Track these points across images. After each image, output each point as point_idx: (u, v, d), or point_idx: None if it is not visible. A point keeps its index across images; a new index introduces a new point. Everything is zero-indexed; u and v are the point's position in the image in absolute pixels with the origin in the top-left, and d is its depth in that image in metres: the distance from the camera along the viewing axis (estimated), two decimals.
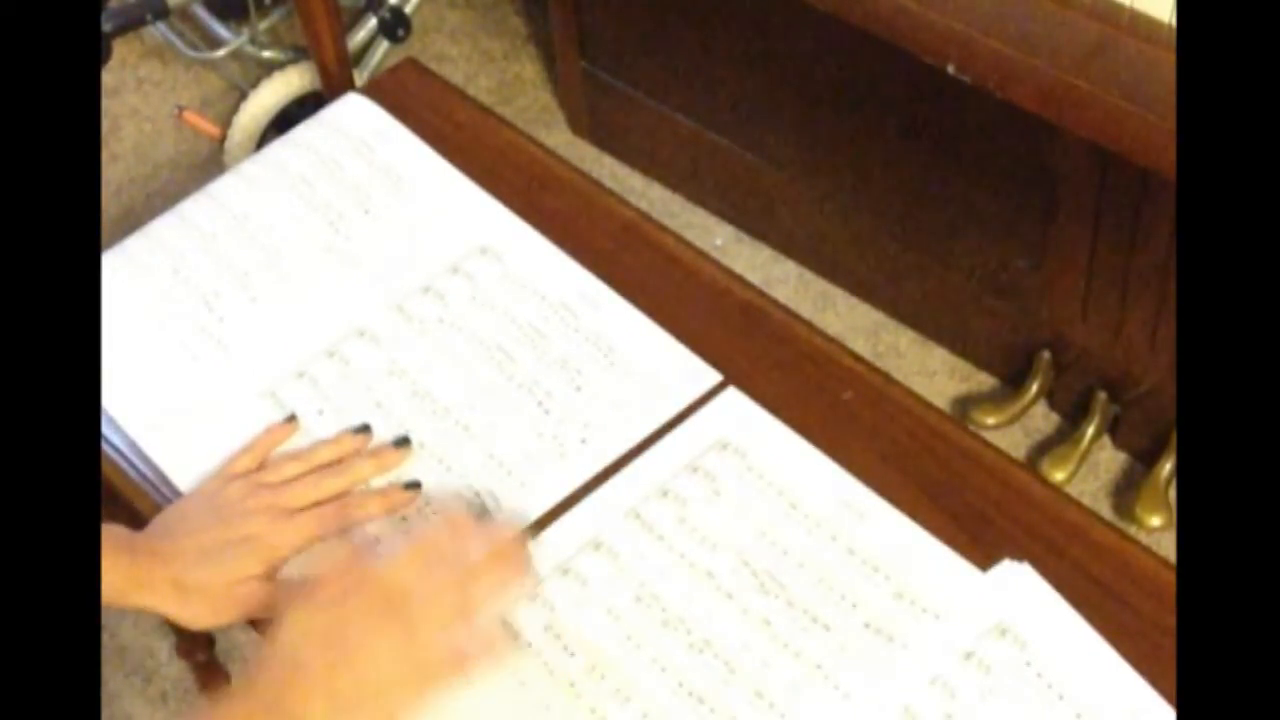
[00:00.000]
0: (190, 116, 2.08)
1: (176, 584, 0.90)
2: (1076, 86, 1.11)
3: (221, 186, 1.18)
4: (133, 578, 0.89)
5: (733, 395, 1.01)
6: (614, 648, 0.90)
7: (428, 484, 0.98)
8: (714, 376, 1.02)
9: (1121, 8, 1.11)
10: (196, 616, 0.91)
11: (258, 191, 1.16)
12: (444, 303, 1.07)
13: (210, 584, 0.91)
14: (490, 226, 1.12)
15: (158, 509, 0.98)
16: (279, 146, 1.21)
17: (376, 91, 1.25)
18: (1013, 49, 1.14)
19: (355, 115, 1.21)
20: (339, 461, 0.98)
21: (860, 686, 0.87)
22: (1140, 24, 1.11)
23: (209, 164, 2.08)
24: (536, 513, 0.96)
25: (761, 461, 0.97)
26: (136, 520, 0.99)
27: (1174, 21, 1.09)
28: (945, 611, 0.89)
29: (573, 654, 0.90)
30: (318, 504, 0.95)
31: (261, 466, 0.98)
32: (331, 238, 1.12)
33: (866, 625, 0.89)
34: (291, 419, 1.01)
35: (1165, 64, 1.09)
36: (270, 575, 0.92)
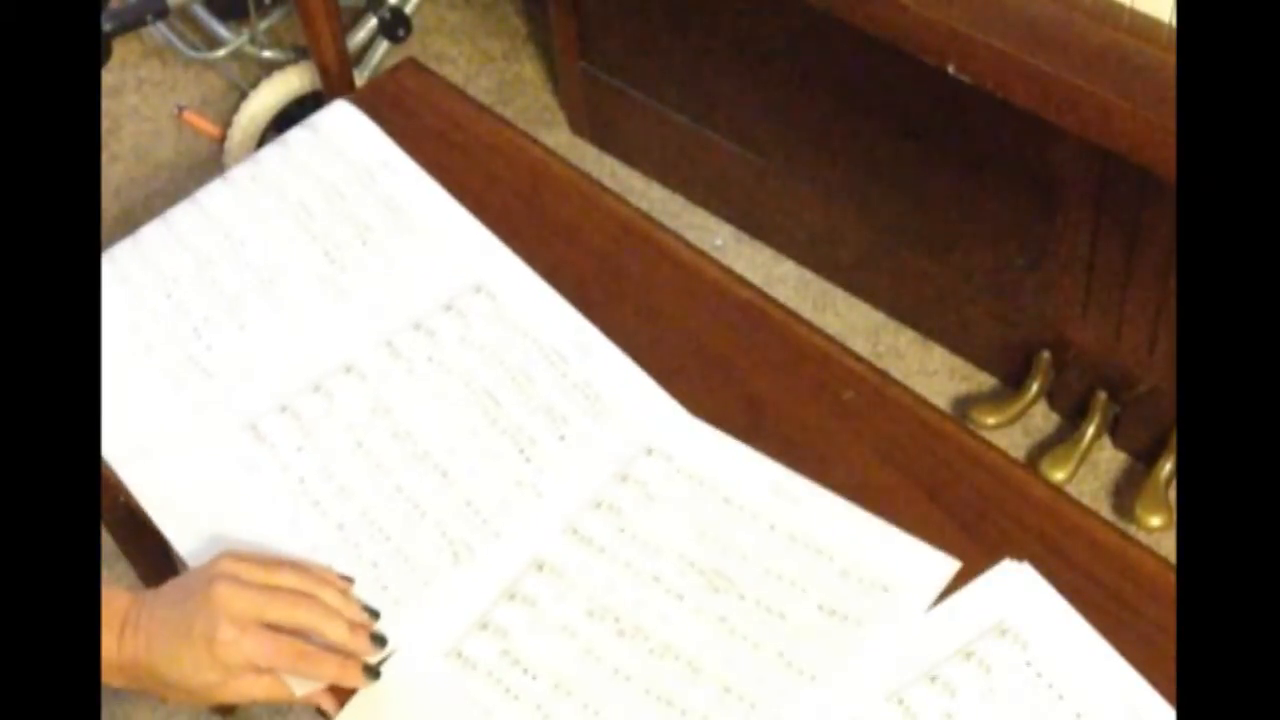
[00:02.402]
0: (190, 116, 2.08)
1: (158, 677, 0.87)
2: (1076, 86, 1.11)
3: (214, 199, 1.17)
4: (117, 663, 0.87)
5: (655, 395, 1.01)
6: (574, 664, 0.89)
7: (402, 529, 0.97)
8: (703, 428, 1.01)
9: (1121, 8, 1.11)
10: (181, 704, 0.88)
11: (255, 216, 1.15)
12: (434, 341, 1.06)
13: (188, 685, 0.87)
14: (486, 264, 1.11)
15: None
16: (274, 159, 1.19)
17: (376, 91, 1.25)
18: (1013, 49, 1.14)
19: (345, 126, 1.20)
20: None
21: (825, 668, 0.88)
22: (1140, 24, 1.11)
23: (209, 164, 2.08)
24: (511, 565, 0.95)
25: (687, 461, 0.97)
26: (136, 519, 0.99)
27: (1174, 21, 1.09)
28: (892, 581, 0.91)
29: (534, 677, 0.89)
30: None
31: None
32: (327, 268, 1.11)
33: (820, 607, 0.90)
34: (348, 580, 0.94)
35: (1165, 64, 1.09)
36: (231, 678, 0.87)
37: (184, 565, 0.96)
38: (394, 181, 1.16)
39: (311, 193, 1.16)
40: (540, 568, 0.93)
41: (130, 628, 0.87)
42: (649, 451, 0.98)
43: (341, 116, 1.21)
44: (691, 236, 1.17)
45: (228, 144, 1.95)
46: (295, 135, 1.21)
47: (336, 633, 0.89)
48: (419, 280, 1.10)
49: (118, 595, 0.88)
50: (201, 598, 0.86)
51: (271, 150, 1.20)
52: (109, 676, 0.87)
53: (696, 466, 0.97)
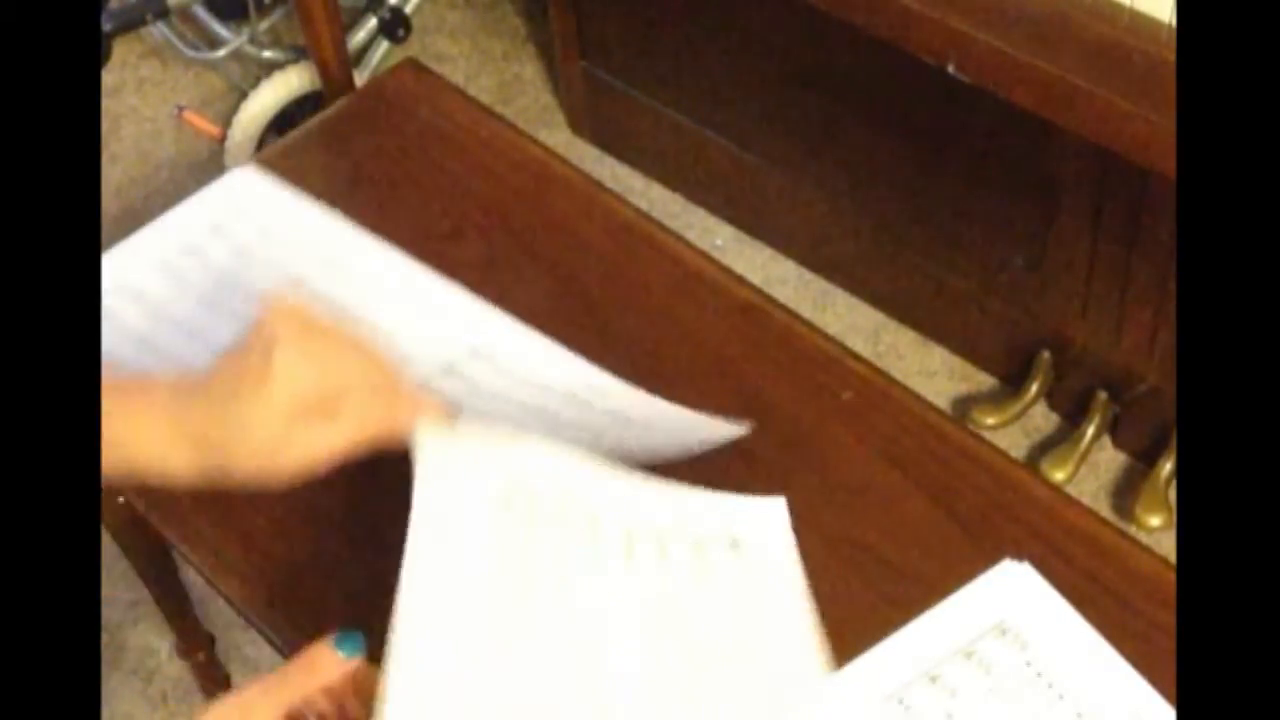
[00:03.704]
0: (190, 116, 2.08)
1: (218, 447, 0.80)
2: (1076, 86, 1.11)
3: (157, 290, 1.07)
4: (173, 446, 0.81)
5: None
6: None
7: None
8: (737, 430, 0.96)
9: (1121, 8, 1.11)
10: (255, 480, 0.81)
11: (223, 311, 1.06)
12: (445, 398, 0.98)
13: (251, 445, 0.80)
14: (476, 329, 1.04)
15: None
16: (220, 253, 1.10)
17: (376, 91, 1.25)
18: (1013, 49, 1.14)
19: (251, 195, 1.13)
20: None
21: None
22: (1140, 24, 1.11)
23: (209, 164, 2.08)
24: None
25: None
26: (136, 518, 0.99)
27: (1174, 21, 1.09)
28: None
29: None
30: None
31: None
32: None
33: None
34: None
35: (1165, 64, 1.09)
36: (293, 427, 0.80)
37: (183, 566, 0.97)
38: (361, 262, 1.09)
39: (276, 283, 1.07)
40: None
41: (182, 398, 0.80)
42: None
43: (247, 187, 1.14)
44: (691, 236, 1.17)
45: (228, 144, 1.95)
46: (235, 227, 1.11)
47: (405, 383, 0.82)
48: (414, 350, 1.00)
49: (155, 387, 0.82)
50: (254, 333, 0.79)
51: (208, 240, 1.11)
52: (177, 468, 0.81)
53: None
